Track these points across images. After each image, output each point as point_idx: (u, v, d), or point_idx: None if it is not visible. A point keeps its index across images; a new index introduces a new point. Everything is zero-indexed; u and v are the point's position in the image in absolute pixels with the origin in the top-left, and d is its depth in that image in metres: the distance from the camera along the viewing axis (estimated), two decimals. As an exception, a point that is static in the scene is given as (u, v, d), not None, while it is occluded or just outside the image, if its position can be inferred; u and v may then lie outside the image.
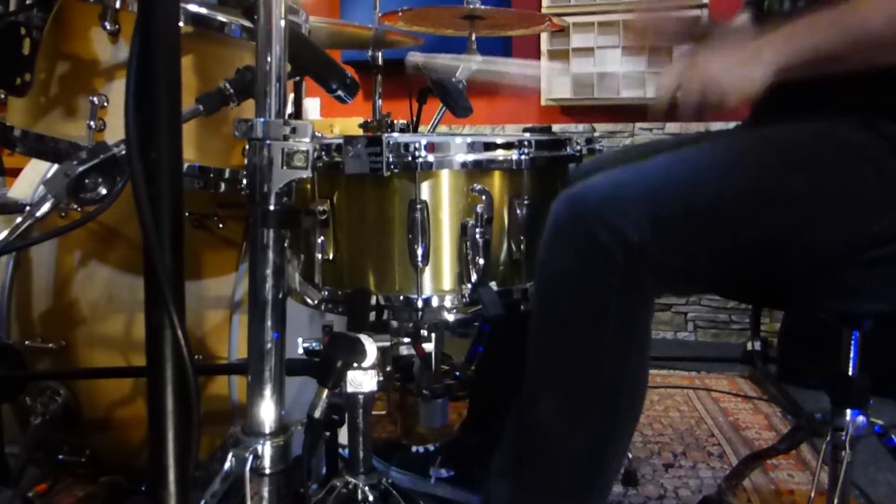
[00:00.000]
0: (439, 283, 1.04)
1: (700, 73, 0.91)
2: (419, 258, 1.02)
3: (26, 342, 1.30)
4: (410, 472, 1.41)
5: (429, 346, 1.12)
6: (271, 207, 0.86)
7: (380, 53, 1.86)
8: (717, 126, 1.58)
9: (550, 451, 0.93)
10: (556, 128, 1.26)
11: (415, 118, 1.79)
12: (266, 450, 0.87)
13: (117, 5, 1.05)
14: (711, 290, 1.17)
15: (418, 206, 1.01)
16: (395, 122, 1.78)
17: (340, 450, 1.14)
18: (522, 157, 1.05)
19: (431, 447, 1.46)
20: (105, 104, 1.05)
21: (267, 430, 0.87)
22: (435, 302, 1.04)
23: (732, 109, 0.93)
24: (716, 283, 1.09)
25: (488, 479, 1.00)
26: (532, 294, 0.99)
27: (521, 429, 0.96)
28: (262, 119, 0.85)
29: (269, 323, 0.87)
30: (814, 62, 0.91)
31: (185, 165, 1.08)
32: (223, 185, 1.14)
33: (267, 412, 0.87)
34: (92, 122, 1.04)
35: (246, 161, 0.88)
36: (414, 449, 1.46)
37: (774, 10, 1.11)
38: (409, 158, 1.00)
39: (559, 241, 0.90)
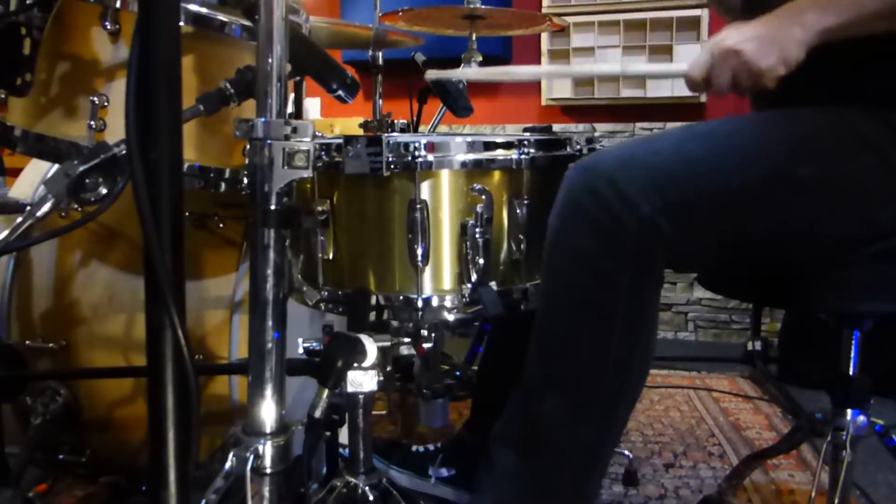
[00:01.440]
0: (439, 282, 1.04)
1: (728, 56, 0.90)
2: (419, 258, 1.02)
3: (27, 342, 1.30)
4: (410, 471, 1.41)
5: (429, 346, 1.12)
6: (272, 207, 0.86)
7: (380, 53, 1.86)
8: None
9: (554, 431, 0.93)
10: (556, 127, 1.26)
11: (415, 118, 1.79)
12: (267, 450, 0.87)
13: (118, 5, 1.05)
14: (717, 273, 1.16)
15: (418, 206, 1.01)
16: (396, 122, 1.78)
17: (341, 449, 1.14)
18: (522, 156, 1.05)
19: (432, 447, 1.46)
20: (105, 104, 1.05)
21: (267, 430, 0.87)
22: (435, 302, 1.04)
23: (773, 85, 0.91)
24: (724, 262, 1.08)
25: (490, 443, 0.99)
26: (543, 269, 0.98)
27: (523, 415, 0.96)
28: (262, 119, 0.85)
29: (269, 323, 0.87)
30: (858, 22, 0.90)
31: (186, 165, 1.08)
32: (223, 185, 1.14)
33: (267, 412, 0.87)
34: (92, 122, 1.04)
35: (246, 161, 0.88)
36: (414, 448, 1.46)
37: None
38: (409, 158, 1.00)
39: (572, 212, 0.90)
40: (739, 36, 0.92)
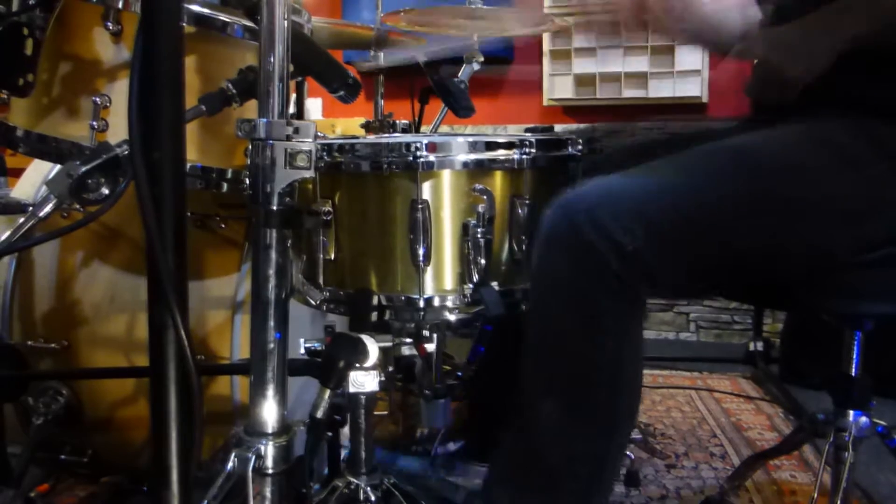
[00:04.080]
0: (441, 283, 1.04)
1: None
2: (421, 258, 1.02)
3: (28, 342, 1.30)
4: (414, 455, 1.39)
5: (430, 347, 1.12)
6: (274, 207, 0.86)
7: (381, 54, 1.86)
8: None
9: (550, 459, 0.92)
10: (558, 128, 1.26)
11: (417, 118, 1.79)
12: (268, 450, 0.87)
13: (120, 6, 1.05)
14: (708, 294, 1.17)
15: (420, 206, 1.01)
16: (397, 122, 1.78)
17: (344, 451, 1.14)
18: (524, 156, 1.05)
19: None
20: (107, 104, 1.05)
21: (269, 430, 0.87)
22: (436, 302, 1.04)
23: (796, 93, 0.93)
24: (711, 287, 1.09)
25: (486, 487, 0.99)
26: (529, 300, 0.98)
27: (520, 437, 0.96)
28: (264, 119, 0.85)
29: (271, 323, 0.87)
30: (848, 47, 0.91)
31: (188, 166, 1.08)
32: (225, 186, 1.14)
33: (269, 412, 0.87)
34: (94, 123, 1.04)
35: (248, 161, 0.88)
36: (417, 434, 1.45)
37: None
38: (411, 158, 1.00)
39: (552, 248, 0.90)
40: (768, 44, 0.94)
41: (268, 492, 0.87)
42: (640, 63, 2.85)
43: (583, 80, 2.92)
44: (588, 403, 0.91)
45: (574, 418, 0.91)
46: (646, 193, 0.90)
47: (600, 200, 0.89)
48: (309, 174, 0.86)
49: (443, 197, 1.03)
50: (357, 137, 1.33)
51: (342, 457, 1.16)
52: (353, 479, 1.09)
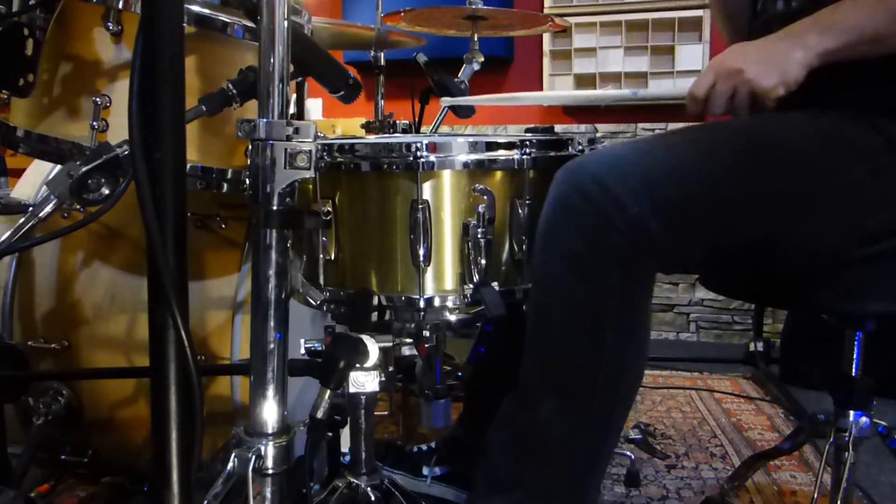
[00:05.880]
0: (441, 283, 1.04)
1: (731, 75, 0.92)
2: (421, 258, 1.02)
3: (29, 342, 1.30)
4: (405, 471, 1.40)
5: (431, 347, 1.12)
6: (274, 208, 0.86)
7: (382, 54, 1.86)
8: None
9: (551, 435, 0.92)
10: (558, 128, 1.26)
11: (417, 119, 1.79)
12: (269, 450, 0.87)
13: (120, 6, 1.05)
14: (710, 277, 1.16)
15: (420, 207, 1.01)
16: (398, 122, 1.78)
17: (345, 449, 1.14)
18: (524, 156, 1.05)
19: (425, 446, 1.45)
20: (108, 105, 1.05)
21: (269, 431, 0.87)
22: (437, 302, 1.04)
23: (773, 105, 0.93)
24: (713, 267, 1.09)
25: (484, 467, 0.99)
26: (532, 267, 0.97)
27: (520, 418, 0.95)
28: (264, 119, 0.85)
29: (271, 323, 0.88)
30: (857, 44, 0.91)
31: (188, 166, 1.08)
32: (226, 186, 1.14)
33: (269, 412, 0.87)
34: (95, 123, 1.04)
35: (248, 161, 0.88)
36: (409, 448, 1.45)
37: (768, 11, 1.11)
38: (411, 158, 1.00)
39: (560, 213, 0.89)
40: (742, 56, 0.94)
41: (268, 492, 0.87)
42: (640, 63, 2.85)
43: (583, 80, 2.92)
44: (589, 379, 0.90)
45: (576, 401, 0.91)
46: (655, 165, 0.91)
47: (608, 164, 0.89)
48: (309, 174, 0.86)
49: (443, 197, 1.03)
50: (357, 137, 1.33)
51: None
52: (353, 480, 1.10)
